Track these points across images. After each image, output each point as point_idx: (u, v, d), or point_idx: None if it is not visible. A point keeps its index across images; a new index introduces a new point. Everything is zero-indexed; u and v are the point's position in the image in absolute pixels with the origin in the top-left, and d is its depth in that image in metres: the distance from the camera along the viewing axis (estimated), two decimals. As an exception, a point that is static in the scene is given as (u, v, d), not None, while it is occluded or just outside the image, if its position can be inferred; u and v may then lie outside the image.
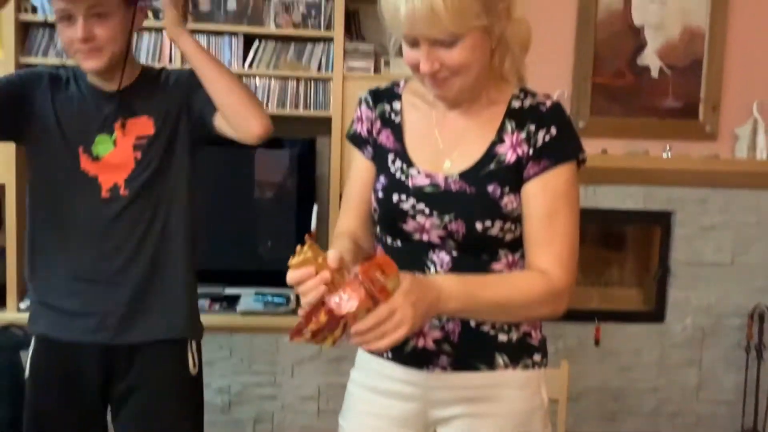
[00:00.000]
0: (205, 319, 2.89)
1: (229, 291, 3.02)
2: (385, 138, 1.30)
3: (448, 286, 1.07)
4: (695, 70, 3.08)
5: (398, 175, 1.26)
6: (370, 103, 1.33)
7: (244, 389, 2.98)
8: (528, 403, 1.27)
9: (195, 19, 2.92)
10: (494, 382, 1.25)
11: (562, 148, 1.18)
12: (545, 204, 1.16)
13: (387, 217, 1.27)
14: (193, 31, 2.89)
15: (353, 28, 3.02)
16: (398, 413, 1.28)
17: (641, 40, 3.04)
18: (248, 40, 2.93)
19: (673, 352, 3.15)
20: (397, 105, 1.31)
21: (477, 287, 1.11)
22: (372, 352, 1.26)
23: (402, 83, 1.33)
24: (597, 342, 3.12)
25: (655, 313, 3.16)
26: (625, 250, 3.34)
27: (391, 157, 1.28)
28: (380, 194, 1.27)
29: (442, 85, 1.17)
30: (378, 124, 1.31)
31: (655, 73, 3.06)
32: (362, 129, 1.33)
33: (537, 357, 1.29)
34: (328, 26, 2.93)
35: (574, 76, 2.99)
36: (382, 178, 1.28)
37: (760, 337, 3.10)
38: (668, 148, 3.02)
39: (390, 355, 1.28)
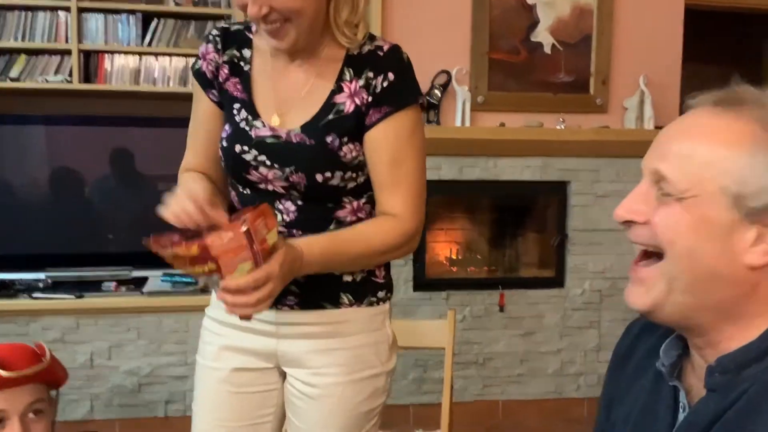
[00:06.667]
0: (112, 301, 2.89)
1: (137, 273, 3.01)
2: (233, 86, 1.26)
3: (309, 253, 1.13)
4: (585, 46, 3.23)
5: (243, 125, 1.24)
6: (219, 45, 1.27)
7: (154, 370, 2.96)
8: (372, 337, 1.30)
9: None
10: (339, 318, 1.27)
11: (402, 93, 1.17)
12: (389, 150, 1.18)
13: (231, 167, 1.27)
14: (90, 9, 2.87)
15: (254, 6, 3.04)
16: (251, 345, 1.29)
17: (534, 17, 3.16)
18: (147, 18, 2.91)
19: (574, 315, 3.31)
20: (247, 53, 1.26)
21: (335, 246, 1.17)
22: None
23: (254, 27, 1.25)
24: (502, 308, 3.25)
25: (555, 279, 3.31)
26: (525, 219, 3.47)
27: (237, 106, 1.26)
28: (224, 143, 1.26)
29: (276, 34, 1.15)
30: (225, 70, 1.27)
31: (548, 49, 3.20)
32: (207, 69, 1.28)
33: (381, 293, 1.31)
34: (229, 3, 2.94)
35: (472, 52, 3.07)
36: (227, 127, 1.26)
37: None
38: (562, 120, 3.17)
39: None
